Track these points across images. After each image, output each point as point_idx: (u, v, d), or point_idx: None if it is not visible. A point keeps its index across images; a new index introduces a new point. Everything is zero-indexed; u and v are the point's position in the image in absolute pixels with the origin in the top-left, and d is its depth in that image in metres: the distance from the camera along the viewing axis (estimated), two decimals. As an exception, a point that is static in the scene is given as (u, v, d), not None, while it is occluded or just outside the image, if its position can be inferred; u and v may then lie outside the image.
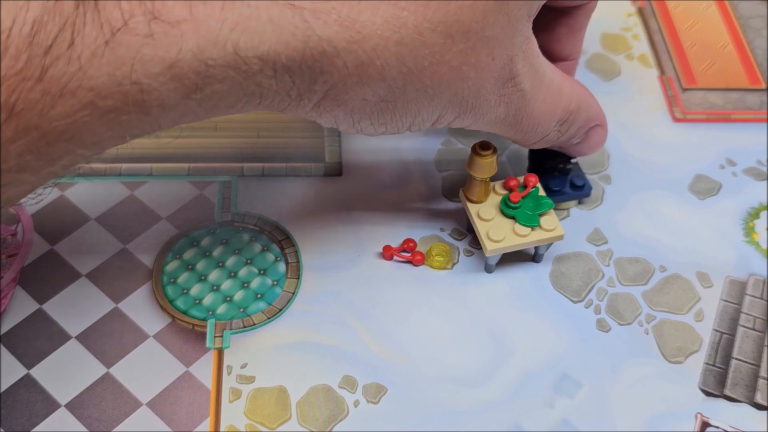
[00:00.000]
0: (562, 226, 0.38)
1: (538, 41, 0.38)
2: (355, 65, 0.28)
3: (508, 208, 0.37)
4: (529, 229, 0.37)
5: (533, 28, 0.37)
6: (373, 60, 0.29)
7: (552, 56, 0.38)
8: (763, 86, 0.46)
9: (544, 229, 0.37)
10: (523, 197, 0.37)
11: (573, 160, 0.41)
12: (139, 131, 0.27)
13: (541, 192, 0.38)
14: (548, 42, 0.38)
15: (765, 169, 0.43)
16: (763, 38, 0.49)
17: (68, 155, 0.26)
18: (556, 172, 0.40)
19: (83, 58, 0.24)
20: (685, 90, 0.46)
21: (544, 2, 0.33)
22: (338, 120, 0.31)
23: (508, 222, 0.37)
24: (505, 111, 0.34)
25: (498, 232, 0.37)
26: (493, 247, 0.37)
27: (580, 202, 0.41)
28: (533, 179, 0.38)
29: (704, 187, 0.42)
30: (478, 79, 0.31)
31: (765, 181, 0.42)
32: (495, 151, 0.36)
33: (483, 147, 0.36)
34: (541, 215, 0.37)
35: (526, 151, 0.43)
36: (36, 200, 0.28)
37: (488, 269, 0.39)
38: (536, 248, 0.38)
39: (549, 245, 0.38)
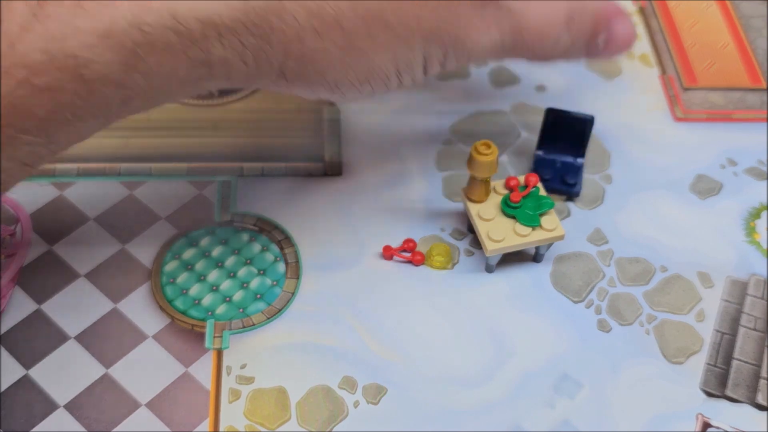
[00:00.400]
0: (563, 226, 0.38)
1: None
2: (306, 16, 0.27)
3: (508, 208, 0.37)
4: (530, 229, 0.37)
5: None
6: (324, 8, 0.27)
7: None
8: (764, 86, 0.46)
9: (544, 229, 0.37)
10: (524, 197, 0.37)
11: (581, 160, 0.41)
12: (85, 113, 0.26)
13: (542, 192, 0.38)
14: None
15: (766, 168, 0.43)
16: (764, 38, 0.49)
17: (12, 143, 0.25)
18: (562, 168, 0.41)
19: (13, 35, 0.23)
20: (686, 89, 0.46)
21: None
22: (313, 86, 0.30)
23: (509, 222, 0.37)
24: (500, 33, 0.32)
25: (498, 232, 0.37)
26: (493, 247, 0.36)
27: (569, 198, 0.41)
28: (534, 179, 0.38)
29: (705, 187, 0.42)
30: (449, 7, 0.30)
31: (766, 181, 0.42)
32: (495, 150, 0.36)
33: (483, 147, 0.36)
34: (541, 215, 0.37)
35: (527, 151, 0.43)
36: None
37: (489, 269, 0.38)
38: (537, 248, 0.38)
39: (550, 245, 0.38)
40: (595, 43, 0.36)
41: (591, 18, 0.35)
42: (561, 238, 0.37)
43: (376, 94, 0.32)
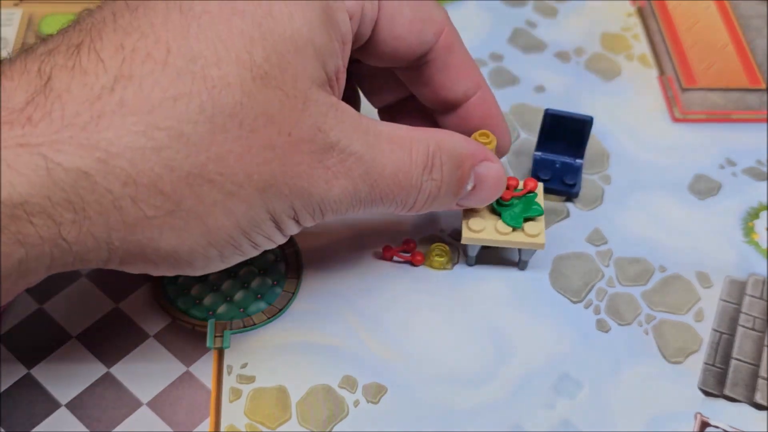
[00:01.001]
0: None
1: (423, 99, 0.36)
2: (120, 184, 0.26)
3: (497, 205, 0.37)
4: (510, 229, 0.36)
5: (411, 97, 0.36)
6: (138, 174, 0.26)
7: (448, 102, 0.36)
8: (763, 86, 0.46)
9: (526, 233, 0.36)
10: (516, 197, 0.37)
11: (580, 161, 0.41)
12: None
13: (539, 199, 0.37)
14: (433, 92, 0.36)
15: (765, 168, 0.43)
16: (763, 38, 0.49)
17: None
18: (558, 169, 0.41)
19: None
20: (684, 90, 0.46)
21: (337, 68, 0.30)
22: (151, 257, 0.28)
23: (493, 218, 0.37)
24: (351, 182, 0.31)
25: (479, 223, 0.36)
26: (469, 236, 0.36)
27: (568, 199, 0.41)
28: (532, 184, 0.37)
29: (704, 187, 0.42)
30: (282, 158, 0.28)
31: (765, 181, 0.42)
32: (495, 139, 0.36)
33: (482, 136, 0.36)
34: (527, 219, 0.36)
35: (526, 152, 0.43)
36: None
37: (469, 261, 0.38)
38: (520, 254, 0.38)
39: (533, 253, 0.38)
40: (464, 189, 0.34)
41: (454, 162, 0.33)
42: (541, 246, 0.36)
43: (233, 260, 0.30)
